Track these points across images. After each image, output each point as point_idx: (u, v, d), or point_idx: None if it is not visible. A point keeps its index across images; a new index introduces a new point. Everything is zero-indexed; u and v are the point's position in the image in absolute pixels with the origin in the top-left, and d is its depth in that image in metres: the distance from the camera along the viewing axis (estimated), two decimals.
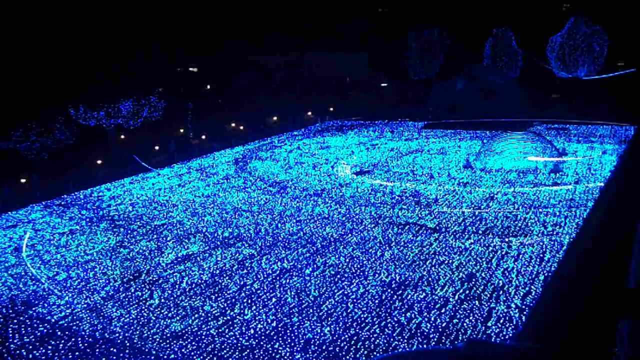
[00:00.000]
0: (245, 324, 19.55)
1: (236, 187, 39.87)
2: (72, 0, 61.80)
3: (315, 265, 24.59)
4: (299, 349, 17.90)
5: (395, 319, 19.50)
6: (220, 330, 19.26)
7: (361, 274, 23.56)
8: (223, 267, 24.92)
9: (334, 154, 51.28)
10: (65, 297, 22.30)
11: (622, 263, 2.71)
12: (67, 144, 45.37)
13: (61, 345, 18.65)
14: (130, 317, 20.40)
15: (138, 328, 19.60)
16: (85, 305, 21.50)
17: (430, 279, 22.81)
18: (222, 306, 21.02)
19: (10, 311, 21.24)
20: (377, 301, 20.93)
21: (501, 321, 19.22)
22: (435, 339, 18.17)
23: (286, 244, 27.42)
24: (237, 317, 20.12)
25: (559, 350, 2.54)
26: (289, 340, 18.39)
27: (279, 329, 19.16)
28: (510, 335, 18.40)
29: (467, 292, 21.48)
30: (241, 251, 26.76)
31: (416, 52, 76.21)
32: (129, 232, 30.20)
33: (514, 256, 24.96)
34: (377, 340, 18.24)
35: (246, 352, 17.78)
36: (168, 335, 19.06)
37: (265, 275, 23.74)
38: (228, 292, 22.26)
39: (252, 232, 29.57)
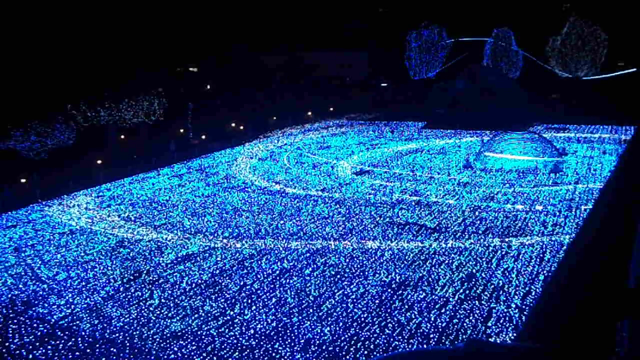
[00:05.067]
0: (245, 324, 19.55)
1: (236, 187, 39.88)
2: (73, 1, 61.81)
3: (315, 265, 24.60)
4: (299, 349, 17.90)
5: (395, 319, 19.50)
6: (220, 330, 19.26)
7: (361, 274, 23.56)
8: (223, 267, 24.92)
9: (334, 153, 51.32)
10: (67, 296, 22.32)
11: (622, 263, 2.71)
12: (67, 144, 45.34)
13: (61, 345, 18.65)
14: (130, 317, 20.40)
15: (138, 328, 19.60)
16: (85, 305, 21.50)
17: (430, 279, 22.81)
18: (222, 306, 21.02)
19: (10, 311, 21.24)
20: (377, 301, 20.93)
21: (501, 321, 19.23)
22: (435, 339, 18.18)
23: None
24: (237, 317, 20.13)
25: (559, 350, 2.54)
26: (289, 340, 18.39)
27: (279, 329, 19.16)
28: (511, 335, 18.40)
29: (467, 292, 21.49)
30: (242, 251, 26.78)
31: (416, 52, 76.26)
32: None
33: (514, 256, 24.97)
34: (377, 340, 18.24)
35: (246, 352, 17.78)
36: (168, 335, 19.05)
37: (265, 275, 23.75)
38: (228, 292, 22.27)
39: (252, 232, 29.58)
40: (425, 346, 17.65)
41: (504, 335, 18.32)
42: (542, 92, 70.11)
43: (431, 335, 18.42)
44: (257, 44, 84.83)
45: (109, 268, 25.16)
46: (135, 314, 20.61)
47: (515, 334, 18.40)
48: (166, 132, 55.59)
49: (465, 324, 19.06)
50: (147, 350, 18.20)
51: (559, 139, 53.40)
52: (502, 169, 41.96)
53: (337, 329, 19.02)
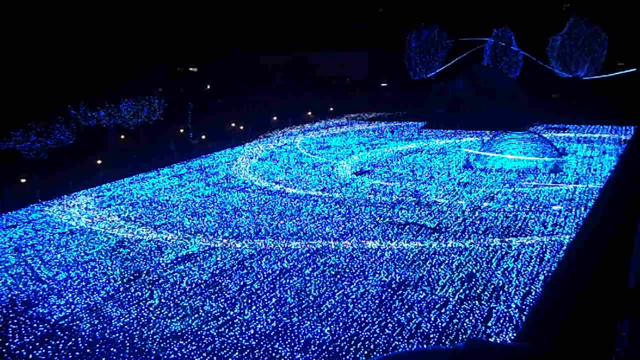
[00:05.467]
0: (245, 324, 19.55)
1: (236, 187, 39.87)
2: (73, 2, 61.82)
3: (315, 265, 24.59)
4: (299, 349, 17.90)
5: (395, 319, 19.50)
6: (220, 330, 19.26)
7: (361, 274, 23.56)
8: (223, 267, 24.92)
9: (334, 153, 51.30)
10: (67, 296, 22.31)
11: (622, 263, 2.71)
12: (67, 144, 45.33)
13: (61, 345, 18.65)
14: (130, 317, 20.40)
15: (138, 328, 19.60)
16: (85, 305, 21.50)
17: (430, 279, 22.81)
18: (222, 306, 21.03)
19: (10, 311, 21.24)
20: (377, 301, 20.93)
21: (501, 321, 19.23)
22: (435, 339, 18.18)
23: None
24: (237, 317, 20.13)
25: (558, 350, 2.54)
26: (289, 340, 18.39)
27: (279, 329, 19.16)
28: (511, 335, 18.40)
29: (467, 292, 21.48)
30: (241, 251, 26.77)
31: (416, 52, 76.26)
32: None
33: (514, 256, 24.97)
34: (377, 340, 18.24)
35: (246, 352, 17.78)
36: (168, 335, 19.05)
37: (265, 275, 23.75)
38: (228, 292, 22.26)
39: (252, 232, 29.57)
40: (425, 346, 17.65)
41: (504, 335, 18.32)
42: (542, 92, 70.09)
43: (431, 335, 18.42)
44: (258, 44, 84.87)
45: (109, 268, 25.16)
46: (135, 314, 20.61)
47: (515, 334, 18.40)
48: (166, 132, 55.58)
49: (465, 324, 19.06)
50: (147, 350, 18.20)
51: (559, 139, 53.39)
52: (502, 169, 41.96)
53: (337, 329, 19.02)
